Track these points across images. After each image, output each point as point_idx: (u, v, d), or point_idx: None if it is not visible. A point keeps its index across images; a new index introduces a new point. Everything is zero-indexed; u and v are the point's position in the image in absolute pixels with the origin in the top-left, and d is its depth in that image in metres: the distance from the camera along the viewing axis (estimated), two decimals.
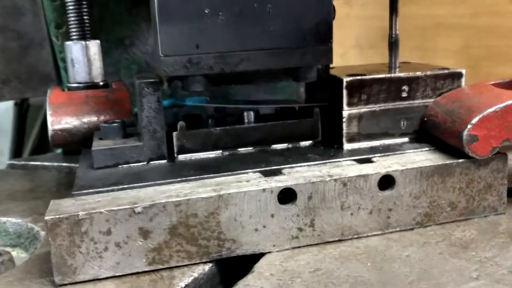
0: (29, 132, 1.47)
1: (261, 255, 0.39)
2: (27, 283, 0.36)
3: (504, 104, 0.42)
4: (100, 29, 0.66)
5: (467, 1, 1.81)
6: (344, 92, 0.46)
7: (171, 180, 0.40)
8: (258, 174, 0.41)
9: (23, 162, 0.65)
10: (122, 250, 0.36)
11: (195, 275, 0.37)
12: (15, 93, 0.73)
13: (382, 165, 0.42)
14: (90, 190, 0.39)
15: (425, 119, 0.48)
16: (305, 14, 0.42)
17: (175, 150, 0.46)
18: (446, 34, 1.99)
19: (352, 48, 1.40)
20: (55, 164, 0.63)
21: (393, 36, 0.50)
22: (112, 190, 0.39)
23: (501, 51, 1.70)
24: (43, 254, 0.40)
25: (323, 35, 0.43)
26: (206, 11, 0.40)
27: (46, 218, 0.34)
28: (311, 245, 0.40)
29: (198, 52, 0.41)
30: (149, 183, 0.40)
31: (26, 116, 1.15)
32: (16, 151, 1.15)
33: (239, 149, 0.47)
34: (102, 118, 0.51)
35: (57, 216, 0.34)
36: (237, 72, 0.42)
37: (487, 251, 0.38)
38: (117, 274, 0.36)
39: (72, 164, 0.61)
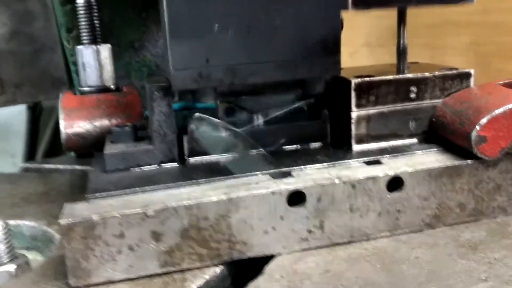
0: (42, 135, 1.48)
1: (272, 257, 0.39)
2: (43, 285, 0.37)
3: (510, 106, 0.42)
4: (110, 32, 0.67)
5: None
6: (353, 93, 0.47)
7: (182, 183, 0.41)
8: (268, 176, 0.42)
9: (36, 165, 0.66)
10: (135, 253, 0.37)
11: (207, 277, 0.37)
12: (28, 96, 0.74)
13: (390, 166, 0.42)
14: (103, 194, 0.39)
15: (434, 119, 0.48)
16: (313, 27, 0.43)
17: (186, 153, 0.46)
18: (455, 31, 1.98)
19: (362, 46, 1.39)
20: (68, 167, 0.64)
21: (402, 45, 0.50)
22: (125, 194, 0.40)
23: (510, 48, 1.69)
24: (58, 257, 0.41)
25: (330, 48, 0.44)
26: (216, 26, 0.41)
27: (61, 222, 0.35)
28: (320, 247, 0.40)
29: (208, 65, 0.41)
30: (161, 186, 0.41)
31: (39, 119, 1.16)
32: (29, 154, 1.16)
33: (249, 151, 0.47)
34: (113, 121, 0.51)
35: (71, 220, 0.35)
36: (246, 84, 0.43)
37: (496, 252, 0.39)
38: (130, 276, 0.37)
39: (85, 167, 0.62)
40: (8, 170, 2.13)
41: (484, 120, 0.42)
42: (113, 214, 0.36)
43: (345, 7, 0.45)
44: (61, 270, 0.38)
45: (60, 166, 0.65)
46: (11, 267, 0.41)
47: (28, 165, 0.67)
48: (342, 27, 0.46)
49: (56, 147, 1.44)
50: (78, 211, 0.37)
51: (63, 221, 0.35)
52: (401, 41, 0.51)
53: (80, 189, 0.55)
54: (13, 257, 0.42)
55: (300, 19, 0.43)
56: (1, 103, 0.73)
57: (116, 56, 0.62)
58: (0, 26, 0.70)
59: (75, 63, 0.74)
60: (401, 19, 0.51)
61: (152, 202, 0.38)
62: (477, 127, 0.42)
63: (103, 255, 0.36)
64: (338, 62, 0.46)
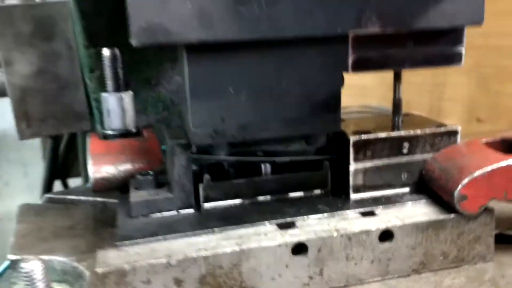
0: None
1: None
2: None
3: (490, 168, 0.47)
4: (129, 70, 0.71)
5: None
6: (351, 149, 0.52)
7: (199, 232, 0.47)
8: (275, 227, 0.47)
9: (60, 196, 0.71)
10: None
11: None
12: (52, 129, 0.79)
13: (382, 219, 0.48)
14: (131, 242, 0.45)
15: (424, 172, 0.54)
16: (316, 89, 0.49)
17: (201, 199, 0.52)
18: None
19: None
20: (90, 199, 0.69)
21: (397, 100, 0.56)
22: (149, 241, 0.45)
23: (510, 70, 1.75)
24: None
25: (331, 107, 0.49)
26: (231, 90, 0.47)
27: (98, 270, 0.41)
28: None
29: (223, 123, 0.47)
30: (180, 234, 0.46)
31: (59, 145, 1.21)
32: (50, 177, 1.21)
33: (258, 197, 0.53)
34: (136, 166, 0.57)
35: (106, 269, 0.41)
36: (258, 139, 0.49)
37: None
38: None
39: (105, 200, 0.68)
40: (20, 178, 2.18)
41: (465, 181, 0.47)
42: (141, 263, 0.42)
43: (346, 69, 0.51)
44: None
45: (82, 198, 0.71)
46: None
47: (52, 196, 0.72)
48: (343, 83, 0.52)
49: (68, 161, 1.49)
50: (110, 259, 0.43)
51: (99, 270, 0.41)
52: (396, 96, 0.57)
53: (102, 224, 0.61)
54: None
55: (305, 82, 0.49)
56: (27, 135, 0.79)
57: (134, 92, 0.68)
58: (28, 65, 0.76)
59: (97, 100, 0.80)
60: (397, 78, 0.57)
61: (174, 252, 0.43)
62: (459, 187, 0.48)
63: None
64: (338, 119, 0.52)
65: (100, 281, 0.41)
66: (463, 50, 0.54)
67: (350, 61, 0.50)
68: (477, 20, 0.50)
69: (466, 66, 1.90)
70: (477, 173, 0.47)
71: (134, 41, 0.43)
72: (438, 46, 0.52)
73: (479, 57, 1.84)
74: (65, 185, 1.61)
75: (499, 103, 1.67)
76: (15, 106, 0.77)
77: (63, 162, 1.49)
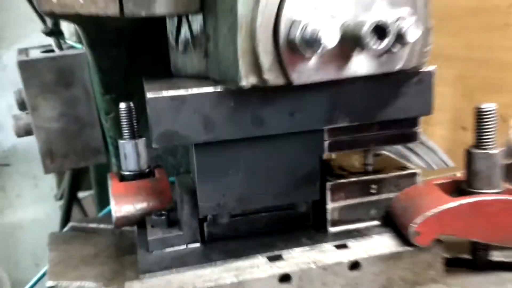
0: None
1: None
2: None
3: (439, 210, 0.59)
4: (140, 114, 0.81)
5: (462, 33, 1.98)
6: (328, 192, 0.64)
7: (204, 264, 0.58)
8: (265, 259, 0.59)
9: (83, 225, 0.83)
10: None
11: None
12: (72, 163, 0.91)
13: (353, 252, 0.59)
14: (151, 274, 0.57)
15: (389, 209, 0.65)
16: (299, 168, 0.60)
17: (206, 235, 0.63)
18: (444, 64, 2.16)
19: None
20: (109, 227, 0.81)
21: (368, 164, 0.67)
22: (165, 274, 0.57)
23: (493, 82, 1.87)
24: None
25: (311, 181, 0.61)
26: (230, 172, 0.58)
27: None
28: None
29: (224, 198, 0.59)
30: (189, 267, 0.58)
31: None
32: (68, 209, 1.32)
33: (254, 232, 0.65)
34: (150, 205, 0.68)
35: None
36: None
37: None
38: None
39: (123, 228, 0.79)
40: (30, 190, 2.29)
41: (418, 220, 0.59)
42: None
43: (323, 152, 0.62)
44: None
45: (101, 226, 0.82)
46: None
47: (76, 224, 0.84)
48: (322, 160, 0.63)
49: (80, 175, 1.60)
50: None
51: None
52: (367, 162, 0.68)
53: (123, 252, 0.73)
54: None
55: (289, 164, 0.60)
56: (50, 169, 0.90)
57: (144, 131, 0.79)
58: (51, 109, 0.87)
59: (111, 137, 0.91)
60: (366, 151, 0.68)
61: (185, 283, 0.55)
62: (413, 225, 0.59)
63: None
64: (317, 190, 0.62)
65: None
66: (419, 129, 0.63)
67: (325, 145, 0.61)
68: (426, 112, 0.61)
69: (451, 77, 2.05)
70: (428, 213, 0.59)
71: (154, 145, 0.54)
72: (398, 130, 0.62)
73: (463, 69, 1.96)
74: (76, 198, 1.73)
75: None
76: (40, 145, 0.88)
77: (74, 176, 1.60)
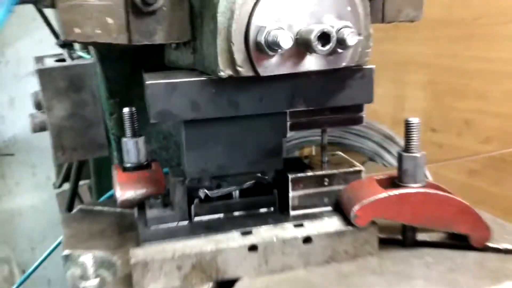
0: None
1: (238, 279, 0.74)
2: None
3: (374, 199, 0.76)
4: (138, 112, 0.97)
5: (431, 42, 2.17)
6: (290, 183, 0.81)
7: (191, 236, 0.75)
8: (239, 234, 0.76)
9: (90, 207, 0.99)
10: (167, 277, 0.71)
11: None
12: (80, 156, 1.07)
13: (307, 230, 0.76)
14: (150, 243, 0.73)
15: (338, 198, 0.82)
16: (267, 143, 0.77)
17: (192, 215, 0.80)
18: (415, 69, 2.36)
19: None
20: (111, 209, 0.97)
21: (324, 144, 0.84)
22: (160, 243, 0.73)
23: (458, 88, 2.05)
24: (121, 278, 0.75)
25: (276, 153, 0.77)
26: (212, 144, 0.74)
27: (131, 261, 0.69)
28: (265, 273, 0.75)
29: (207, 164, 0.75)
30: (179, 238, 0.74)
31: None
32: (74, 194, 1.46)
33: (231, 213, 0.81)
34: (148, 191, 0.85)
35: (136, 261, 0.69)
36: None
37: (360, 280, 0.73)
38: (166, 287, 0.71)
39: (123, 210, 0.96)
40: (29, 178, 2.45)
41: (357, 207, 0.76)
42: (156, 257, 0.70)
43: (285, 130, 0.79)
44: (127, 283, 0.72)
45: (105, 209, 0.99)
46: (96, 282, 0.75)
47: (83, 207, 1.00)
48: (285, 136, 0.80)
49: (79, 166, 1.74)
50: (138, 255, 0.70)
51: (132, 260, 0.69)
52: (323, 143, 0.86)
53: (125, 229, 0.89)
54: (95, 275, 0.76)
55: (259, 138, 0.77)
56: (61, 160, 1.06)
57: (142, 128, 0.95)
58: (64, 110, 1.03)
59: (114, 134, 1.07)
60: (323, 132, 0.85)
61: (176, 250, 0.71)
62: (354, 210, 0.76)
63: (152, 277, 0.70)
64: (281, 161, 0.80)
65: (133, 267, 0.69)
66: (363, 114, 0.80)
67: (288, 125, 0.78)
68: (369, 100, 0.77)
69: (422, 82, 2.25)
70: (365, 201, 0.76)
71: (152, 120, 0.71)
72: (346, 114, 0.80)
73: (433, 75, 2.13)
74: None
75: (450, 116, 1.95)
76: (53, 140, 1.04)
77: (79, 166, 1.74)
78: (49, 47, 1.23)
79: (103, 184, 1.41)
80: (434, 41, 1.95)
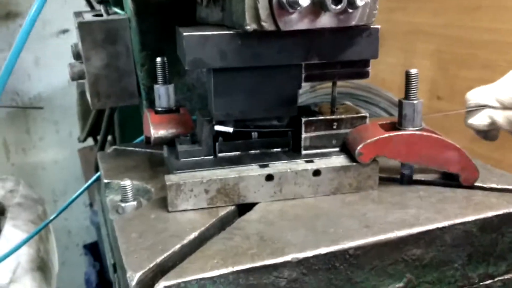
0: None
1: (257, 203, 0.86)
2: (154, 211, 0.84)
3: (376, 138, 0.87)
4: (168, 65, 1.08)
5: (440, 13, 2.26)
6: (303, 126, 0.92)
7: (217, 167, 0.87)
8: (258, 167, 0.87)
9: (123, 147, 1.11)
10: (197, 198, 0.83)
11: (228, 210, 0.83)
12: (114, 103, 1.18)
13: (316, 164, 0.88)
14: (181, 171, 0.85)
15: (345, 140, 0.94)
16: (283, 91, 0.88)
17: (217, 151, 0.92)
18: (424, 39, 2.45)
19: None
20: (142, 150, 1.09)
21: (333, 97, 0.95)
22: (190, 172, 0.85)
23: (464, 58, 2.14)
24: (157, 200, 0.87)
25: (292, 101, 0.89)
26: (236, 91, 0.86)
27: (167, 183, 0.81)
28: (279, 200, 0.86)
29: (232, 109, 0.87)
30: (206, 168, 0.86)
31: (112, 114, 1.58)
32: (106, 135, 1.58)
33: (250, 151, 0.93)
34: (178, 130, 0.97)
35: (170, 183, 0.81)
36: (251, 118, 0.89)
37: (361, 207, 0.85)
38: (195, 208, 0.83)
39: (152, 150, 1.08)
40: (52, 134, 2.59)
41: (361, 145, 0.87)
42: (188, 181, 0.82)
43: (300, 81, 0.90)
44: (161, 205, 0.84)
45: (137, 149, 1.11)
46: (134, 203, 0.87)
47: (117, 147, 1.12)
48: (300, 87, 0.91)
49: (100, 122, 1.86)
50: (172, 179, 0.82)
51: (168, 183, 0.81)
52: (333, 95, 0.96)
53: (156, 165, 1.01)
54: (133, 199, 0.88)
55: (277, 87, 0.88)
56: (97, 106, 1.17)
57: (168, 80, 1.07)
58: (100, 60, 1.14)
59: (144, 84, 1.19)
60: (333, 84, 0.96)
61: (204, 176, 0.83)
62: (358, 148, 0.87)
63: (183, 198, 0.82)
64: (295, 108, 0.91)
65: (168, 189, 0.81)
66: (369, 69, 0.92)
67: (303, 76, 0.89)
68: (374, 56, 0.88)
69: (429, 51, 2.36)
70: (368, 141, 0.87)
71: (187, 67, 0.82)
72: (354, 68, 0.90)
73: (439, 45, 2.22)
74: (96, 140, 2.01)
75: (455, 85, 2.04)
76: (90, 87, 1.16)
77: (95, 123, 1.87)
78: (74, 8, 1.33)
79: (127, 138, 1.53)
80: (443, 11, 2.03)
